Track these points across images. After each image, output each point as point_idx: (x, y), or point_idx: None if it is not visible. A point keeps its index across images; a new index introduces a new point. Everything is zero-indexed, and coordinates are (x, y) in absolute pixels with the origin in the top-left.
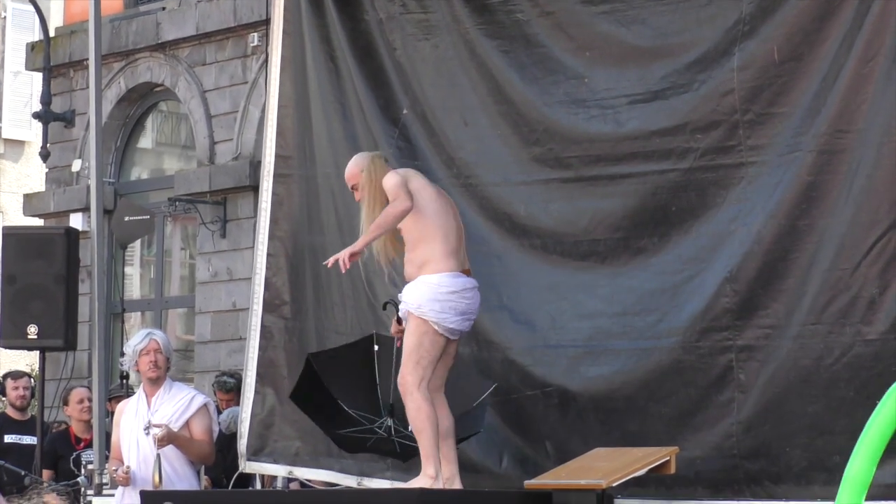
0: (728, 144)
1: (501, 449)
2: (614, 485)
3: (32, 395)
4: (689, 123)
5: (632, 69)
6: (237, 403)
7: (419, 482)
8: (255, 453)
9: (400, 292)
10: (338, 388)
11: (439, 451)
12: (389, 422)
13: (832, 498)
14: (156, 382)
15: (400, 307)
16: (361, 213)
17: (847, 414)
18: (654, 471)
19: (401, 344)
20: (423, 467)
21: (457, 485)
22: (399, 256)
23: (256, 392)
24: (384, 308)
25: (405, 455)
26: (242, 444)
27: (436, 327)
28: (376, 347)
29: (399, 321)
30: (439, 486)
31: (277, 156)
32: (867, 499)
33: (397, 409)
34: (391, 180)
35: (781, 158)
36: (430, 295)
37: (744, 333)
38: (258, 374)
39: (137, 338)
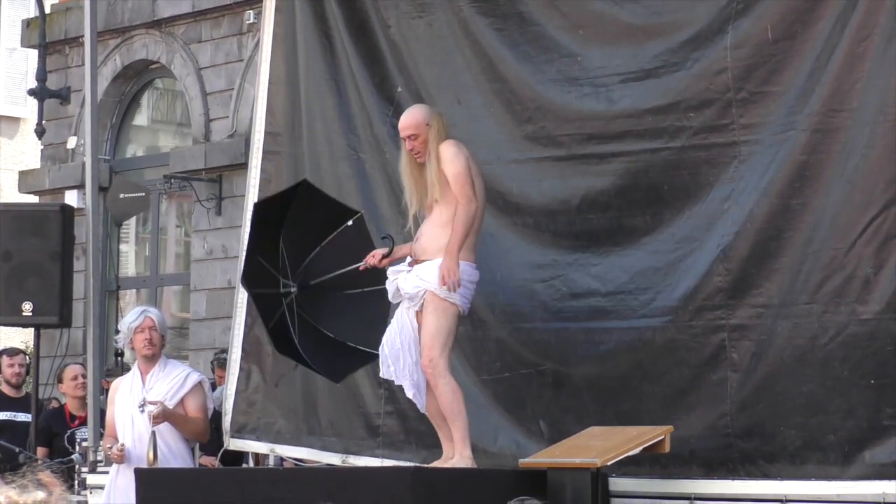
0: (721, 123)
1: (496, 428)
2: (609, 464)
3: (28, 373)
4: (682, 102)
5: (625, 47)
6: None
7: (459, 462)
8: (239, 430)
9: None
10: (293, 228)
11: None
12: (293, 290)
13: (826, 477)
14: (151, 360)
15: (412, 285)
16: (403, 166)
17: (841, 393)
18: (649, 450)
19: (364, 269)
20: (459, 448)
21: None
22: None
23: (241, 369)
24: (383, 239)
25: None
26: (227, 421)
27: (460, 310)
28: (350, 223)
29: (384, 257)
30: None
31: (267, 133)
32: (863, 478)
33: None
34: (458, 164)
35: (775, 137)
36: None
37: (737, 312)
38: (244, 351)
39: (132, 315)
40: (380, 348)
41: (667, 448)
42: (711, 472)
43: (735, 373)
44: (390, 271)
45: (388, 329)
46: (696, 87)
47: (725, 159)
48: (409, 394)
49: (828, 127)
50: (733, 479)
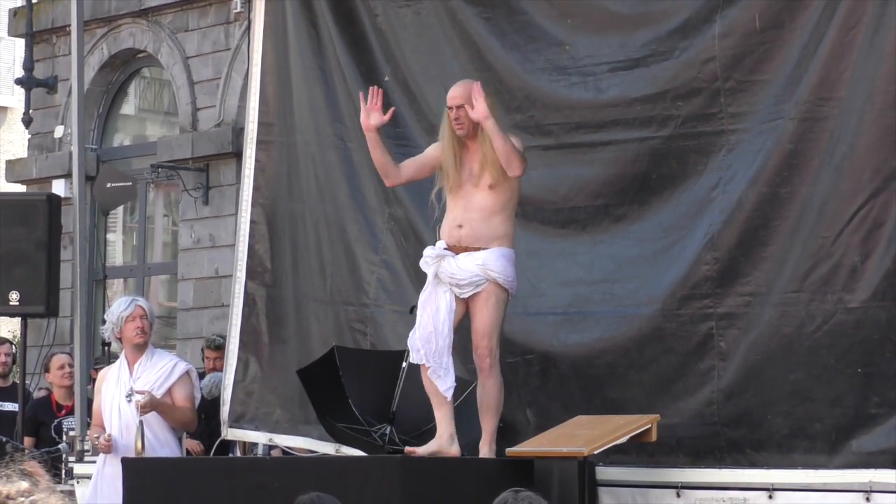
0: (709, 112)
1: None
2: (596, 452)
3: (14, 362)
4: (670, 91)
5: (613, 36)
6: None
7: (489, 454)
8: (237, 420)
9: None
10: (351, 386)
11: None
12: (387, 429)
13: (813, 465)
14: (140, 349)
15: (470, 273)
16: (443, 139)
17: (828, 382)
18: (636, 438)
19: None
20: (488, 441)
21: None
22: (448, 191)
23: (239, 359)
24: (410, 312)
25: None
26: (225, 411)
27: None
28: (405, 364)
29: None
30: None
31: (260, 123)
32: (850, 467)
33: (398, 420)
34: (519, 139)
35: (763, 126)
36: (514, 270)
37: (724, 301)
38: (241, 342)
39: (121, 305)
40: (409, 336)
41: (654, 437)
42: (698, 460)
43: (722, 361)
44: (429, 254)
45: (420, 313)
46: (685, 76)
47: (713, 148)
48: (433, 376)
49: (816, 116)
50: (720, 468)
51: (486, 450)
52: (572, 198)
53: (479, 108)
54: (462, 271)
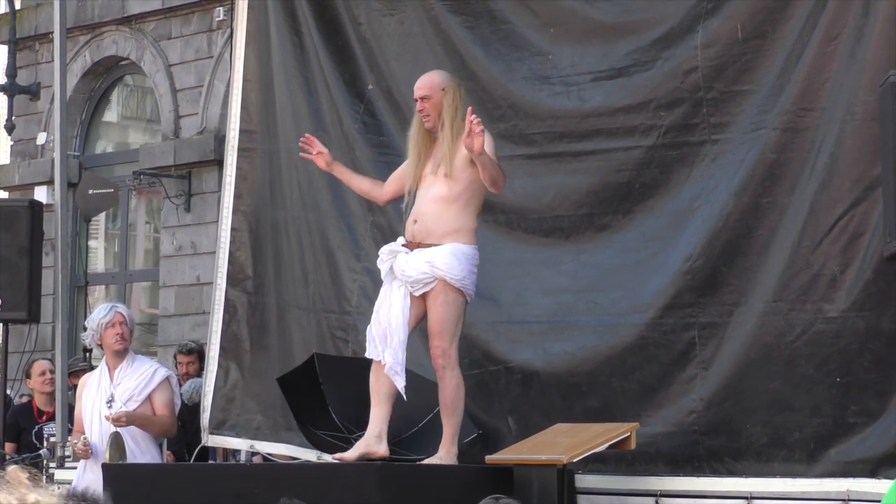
0: (692, 122)
1: (464, 423)
2: (575, 460)
3: None
4: (653, 101)
5: (596, 46)
6: (198, 367)
7: (446, 459)
8: (218, 427)
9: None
10: (331, 393)
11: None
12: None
13: (791, 474)
14: (120, 355)
15: (418, 271)
16: (412, 134)
17: (807, 391)
18: (616, 446)
19: None
20: (447, 445)
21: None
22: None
23: (219, 366)
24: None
25: None
26: (205, 418)
27: (468, 300)
28: None
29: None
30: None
31: (241, 130)
32: (828, 475)
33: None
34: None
35: (745, 136)
36: (470, 267)
37: (707, 310)
38: (222, 349)
39: (101, 311)
40: (367, 329)
41: (633, 445)
42: (677, 469)
43: (704, 370)
44: (384, 251)
45: (376, 309)
46: (667, 87)
47: (696, 158)
48: (390, 372)
49: (797, 126)
50: (699, 476)
51: (443, 452)
52: (556, 207)
53: (476, 145)
54: (410, 268)
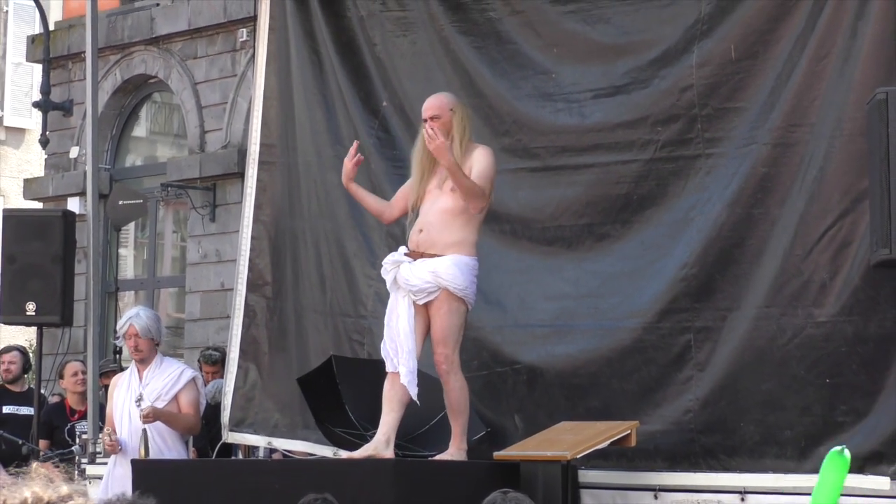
0: (687, 137)
1: (472, 422)
2: (578, 456)
3: (23, 370)
4: (650, 117)
5: (596, 65)
6: (221, 376)
7: (456, 456)
8: (237, 424)
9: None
10: (348, 393)
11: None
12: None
13: (783, 470)
14: (142, 362)
15: (422, 280)
16: (416, 151)
17: (798, 391)
18: (616, 443)
19: None
20: (457, 442)
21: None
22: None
23: (239, 367)
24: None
25: None
26: (225, 416)
27: (469, 308)
28: None
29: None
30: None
31: (262, 144)
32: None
33: None
34: (490, 168)
35: (738, 151)
36: (471, 278)
37: (702, 315)
38: (241, 351)
39: (122, 320)
40: (381, 345)
41: (633, 442)
42: (675, 465)
43: (700, 372)
44: (387, 261)
45: (386, 322)
46: (664, 103)
47: (691, 171)
48: (405, 381)
49: (788, 141)
50: (695, 472)
51: (453, 449)
52: (558, 217)
53: (435, 147)
54: (414, 277)
